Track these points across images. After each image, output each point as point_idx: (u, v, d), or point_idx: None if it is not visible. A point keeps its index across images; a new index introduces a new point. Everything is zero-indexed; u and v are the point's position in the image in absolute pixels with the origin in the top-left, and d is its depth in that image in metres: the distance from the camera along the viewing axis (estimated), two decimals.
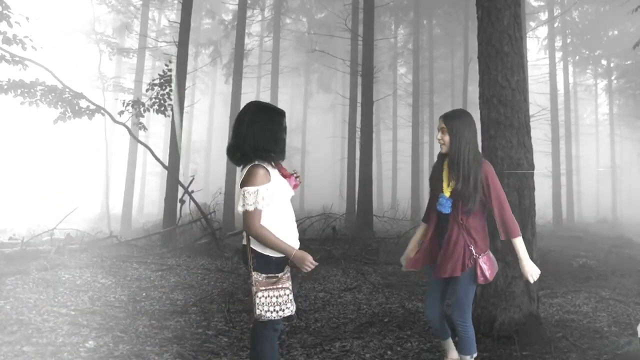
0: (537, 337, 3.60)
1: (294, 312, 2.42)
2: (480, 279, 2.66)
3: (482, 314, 3.69)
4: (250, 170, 2.31)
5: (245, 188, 2.29)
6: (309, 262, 2.33)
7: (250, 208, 2.27)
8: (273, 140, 2.37)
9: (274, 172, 2.39)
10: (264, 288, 2.33)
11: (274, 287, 2.34)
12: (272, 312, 2.33)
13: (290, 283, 2.40)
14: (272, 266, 2.37)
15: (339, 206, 18.97)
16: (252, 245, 2.39)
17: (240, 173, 2.43)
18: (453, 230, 2.68)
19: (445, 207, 2.70)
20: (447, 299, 2.92)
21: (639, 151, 24.39)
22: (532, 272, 2.68)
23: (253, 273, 2.36)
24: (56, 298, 4.77)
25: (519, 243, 2.68)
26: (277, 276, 2.35)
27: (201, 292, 5.40)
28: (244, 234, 2.45)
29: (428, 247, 2.84)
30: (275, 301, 2.33)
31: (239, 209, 2.33)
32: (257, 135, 2.33)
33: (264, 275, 2.35)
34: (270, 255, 2.36)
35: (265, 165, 2.35)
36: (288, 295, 2.36)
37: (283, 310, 2.35)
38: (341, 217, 12.96)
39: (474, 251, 2.66)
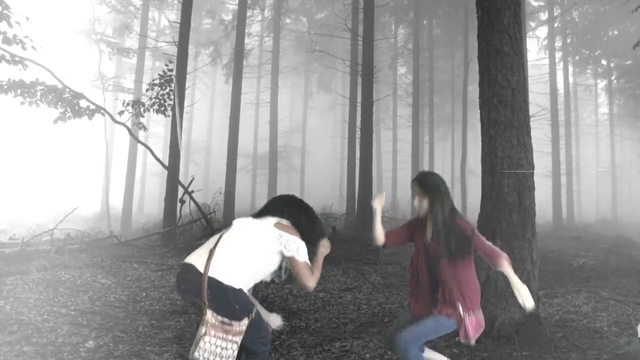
0: (537, 337, 3.60)
1: None
2: (462, 337, 2.57)
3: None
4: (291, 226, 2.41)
5: (298, 240, 2.34)
6: (324, 245, 2.46)
7: (305, 259, 2.32)
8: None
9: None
10: (213, 333, 2.12)
11: (224, 336, 2.13)
12: None
13: (241, 338, 2.17)
14: (241, 306, 2.18)
15: (339, 206, 18.94)
16: (213, 276, 2.16)
17: (262, 219, 2.43)
18: (445, 288, 2.58)
19: None
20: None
21: (639, 151, 24.38)
22: (526, 299, 2.31)
23: (208, 312, 2.14)
24: (56, 298, 4.77)
25: (505, 270, 2.38)
26: (232, 325, 2.14)
27: None
28: (195, 259, 2.27)
29: (417, 295, 2.74)
30: (219, 352, 2.11)
31: (288, 253, 2.30)
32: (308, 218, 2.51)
33: (220, 318, 2.14)
34: (244, 288, 2.24)
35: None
36: (234, 351, 2.14)
37: None
38: (341, 217, 12.95)
39: (461, 310, 2.54)
